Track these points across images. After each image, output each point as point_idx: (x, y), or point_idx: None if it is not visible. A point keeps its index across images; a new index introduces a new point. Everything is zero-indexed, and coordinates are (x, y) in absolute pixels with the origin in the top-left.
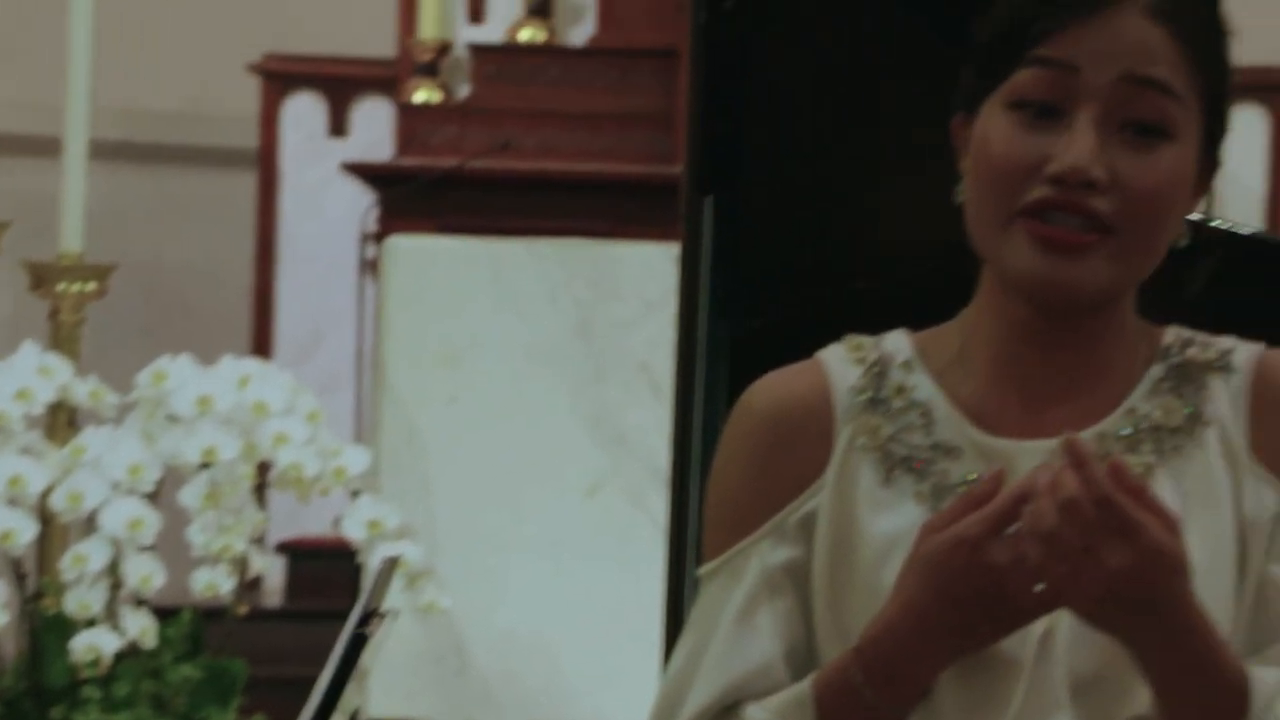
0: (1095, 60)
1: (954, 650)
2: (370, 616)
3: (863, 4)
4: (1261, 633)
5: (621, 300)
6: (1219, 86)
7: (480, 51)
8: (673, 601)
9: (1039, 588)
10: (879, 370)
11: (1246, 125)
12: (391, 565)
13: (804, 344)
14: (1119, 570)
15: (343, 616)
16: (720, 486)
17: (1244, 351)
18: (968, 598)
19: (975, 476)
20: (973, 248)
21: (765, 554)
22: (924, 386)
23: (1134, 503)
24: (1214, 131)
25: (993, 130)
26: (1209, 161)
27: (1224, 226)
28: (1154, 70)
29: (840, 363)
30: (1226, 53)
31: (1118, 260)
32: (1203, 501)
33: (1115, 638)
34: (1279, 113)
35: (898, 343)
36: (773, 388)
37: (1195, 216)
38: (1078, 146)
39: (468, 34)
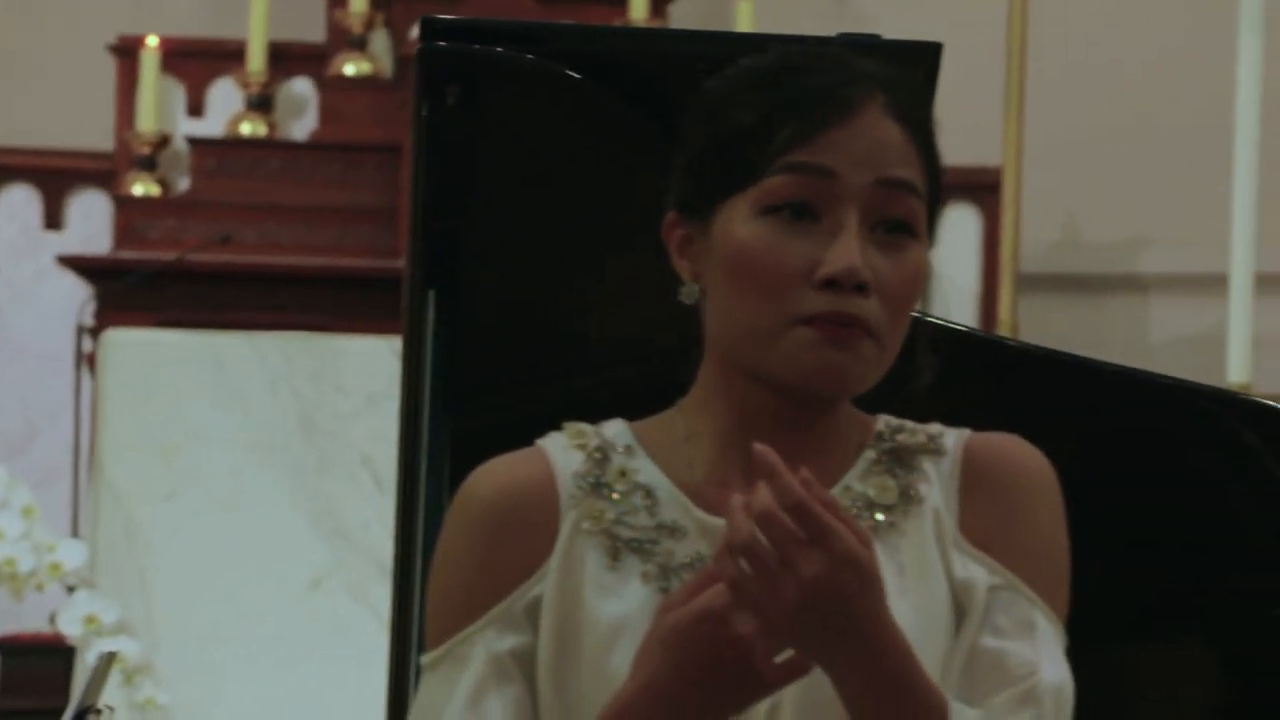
0: (850, 164)
1: None
2: (86, 713)
3: (589, 102)
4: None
5: (344, 393)
6: (938, 182)
7: (199, 145)
8: (396, 696)
9: (781, 658)
10: (601, 455)
11: (959, 224)
12: (108, 661)
13: (527, 439)
14: (815, 579)
15: (58, 714)
16: (443, 574)
17: (952, 435)
18: (710, 671)
19: (701, 556)
20: (704, 344)
21: (491, 641)
22: (646, 470)
23: (827, 512)
24: (934, 226)
25: (748, 237)
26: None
27: (939, 323)
28: (903, 172)
29: (561, 449)
30: (939, 148)
31: (878, 360)
32: (918, 575)
33: (815, 657)
34: (990, 212)
35: (617, 429)
36: (495, 474)
37: (913, 313)
38: (849, 250)
39: (187, 127)
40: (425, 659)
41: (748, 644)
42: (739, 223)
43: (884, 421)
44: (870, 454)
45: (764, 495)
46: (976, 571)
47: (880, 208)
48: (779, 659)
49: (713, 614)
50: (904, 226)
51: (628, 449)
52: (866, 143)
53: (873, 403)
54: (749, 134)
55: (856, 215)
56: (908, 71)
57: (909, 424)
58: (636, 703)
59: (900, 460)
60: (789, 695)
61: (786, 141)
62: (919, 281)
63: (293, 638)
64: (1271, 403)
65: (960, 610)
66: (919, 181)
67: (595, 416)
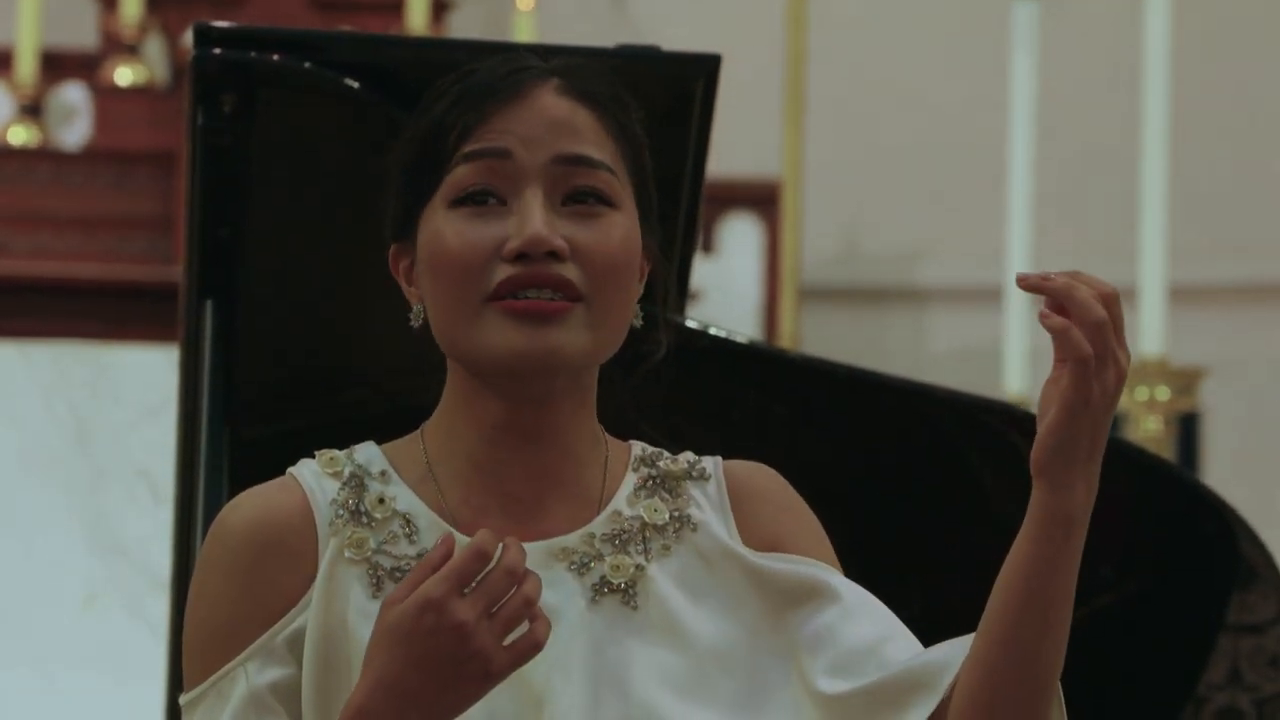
0: (525, 143)
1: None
2: None
3: (366, 111)
4: (845, 659)
5: (120, 405)
6: (639, 158)
7: None
8: (173, 714)
9: (509, 640)
10: (356, 483)
11: (742, 235)
12: None
13: (305, 452)
14: (1119, 379)
15: None
16: (200, 610)
17: (709, 461)
18: (438, 661)
19: None
20: (446, 355)
21: (253, 674)
22: (404, 496)
23: None
24: (644, 204)
25: (442, 229)
26: (649, 239)
27: (720, 334)
28: (580, 148)
29: (315, 477)
30: (638, 125)
31: (590, 327)
32: (710, 594)
33: (1069, 469)
34: (772, 223)
35: (369, 454)
36: (250, 506)
37: (695, 324)
38: (532, 220)
39: None
40: (184, 698)
41: (470, 630)
42: (435, 222)
43: (640, 448)
44: (633, 478)
45: (1095, 301)
46: (797, 565)
47: (565, 182)
48: (507, 642)
49: (433, 603)
50: (594, 195)
51: (383, 474)
52: (538, 120)
53: (654, 411)
54: (431, 137)
55: (541, 191)
56: (593, 62)
57: (663, 451)
58: (370, 701)
59: (664, 485)
60: (562, 704)
61: (460, 135)
62: (624, 247)
63: (66, 655)
64: None
65: (782, 617)
66: (607, 157)
67: (373, 428)
